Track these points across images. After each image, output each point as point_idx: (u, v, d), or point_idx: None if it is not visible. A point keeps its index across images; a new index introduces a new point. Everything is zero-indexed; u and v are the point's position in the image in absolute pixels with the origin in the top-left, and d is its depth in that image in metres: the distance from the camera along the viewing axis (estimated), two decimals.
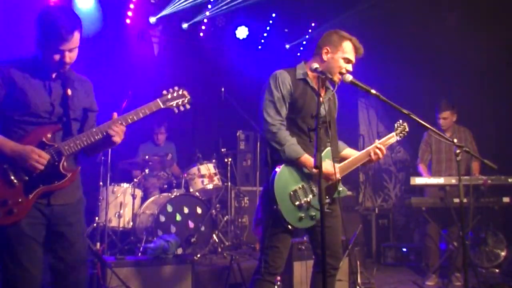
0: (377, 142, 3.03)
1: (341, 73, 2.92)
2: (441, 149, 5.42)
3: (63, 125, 2.49)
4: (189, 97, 2.69)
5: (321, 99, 2.61)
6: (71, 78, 2.58)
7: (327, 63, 2.94)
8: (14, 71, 2.41)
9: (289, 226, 2.82)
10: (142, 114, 2.56)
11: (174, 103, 2.65)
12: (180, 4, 6.95)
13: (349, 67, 2.96)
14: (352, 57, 2.96)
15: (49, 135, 2.41)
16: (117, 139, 2.51)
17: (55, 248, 2.53)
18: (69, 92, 2.52)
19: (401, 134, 3.19)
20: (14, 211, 2.29)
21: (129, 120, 2.54)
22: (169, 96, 2.64)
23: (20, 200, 2.32)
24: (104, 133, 2.48)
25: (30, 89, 2.41)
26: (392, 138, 3.15)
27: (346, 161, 3.00)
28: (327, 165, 2.74)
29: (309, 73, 2.99)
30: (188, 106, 2.70)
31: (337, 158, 3.03)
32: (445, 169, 5.41)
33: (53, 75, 2.51)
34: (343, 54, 2.93)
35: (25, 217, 2.35)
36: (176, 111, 2.68)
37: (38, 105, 2.42)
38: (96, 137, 2.47)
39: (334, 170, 2.80)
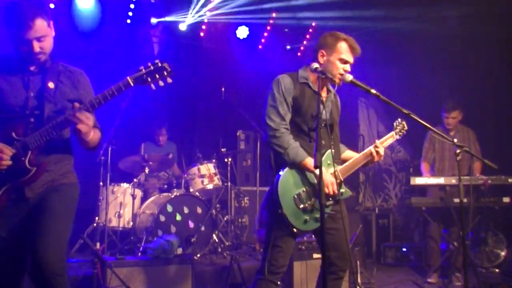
0: (377, 142, 3.03)
1: (341, 75, 2.89)
2: (445, 147, 5.41)
3: (36, 118, 2.34)
4: (170, 69, 2.34)
5: (322, 99, 2.61)
6: (56, 71, 2.45)
7: (325, 66, 2.91)
8: None
9: (294, 230, 2.82)
10: (110, 96, 2.31)
11: (150, 78, 2.33)
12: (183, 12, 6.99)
13: (347, 67, 2.92)
14: (348, 57, 2.92)
15: (20, 130, 2.31)
16: (81, 126, 2.28)
17: (28, 240, 2.30)
18: (51, 85, 2.39)
19: (400, 133, 3.18)
20: None
21: (95, 105, 2.31)
22: (143, 71, 2.33)
23: None
24: (70, 122, 2.31)
25: (7, 86, 2.35)
26: (392, 137, 3.15)
27: (347, 163, 3.01)
28: (327, 176, 2.77)
29: (311, 76, 2.98)
30: (169, 80, 2.36)
31: (338, 160, 3.04)
32: (448, 168, 5.40)
33: (32, 68, 2.42)
34: (339, 55, 2.90)
35: None
36: (154, 87, 2.35)
37: (13, 101, 2.33)
38: (61, 127, 2.32)
39: (335, 177, 2.82)
